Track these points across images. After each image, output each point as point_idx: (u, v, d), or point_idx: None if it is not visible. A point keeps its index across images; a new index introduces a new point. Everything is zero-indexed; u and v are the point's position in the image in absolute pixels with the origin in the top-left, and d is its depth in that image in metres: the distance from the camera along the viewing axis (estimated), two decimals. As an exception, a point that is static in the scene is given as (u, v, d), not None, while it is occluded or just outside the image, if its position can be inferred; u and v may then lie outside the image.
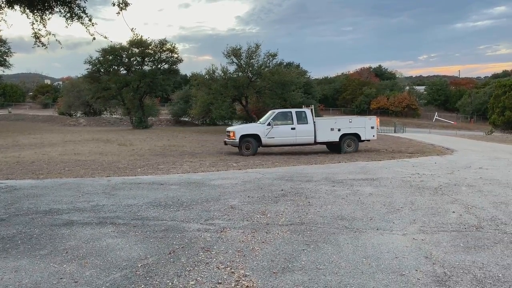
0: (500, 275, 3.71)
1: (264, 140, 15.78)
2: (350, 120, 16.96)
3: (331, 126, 16.41)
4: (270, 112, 17.96)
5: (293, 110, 16.66)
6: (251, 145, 15.69)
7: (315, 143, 16.50)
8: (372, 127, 16.66)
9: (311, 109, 16.76)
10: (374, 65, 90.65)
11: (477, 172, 9.99)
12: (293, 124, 16.06)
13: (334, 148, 17.15)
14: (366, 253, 4.28)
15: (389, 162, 12.59)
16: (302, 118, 16.23)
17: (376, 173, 9.92)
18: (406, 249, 4.39)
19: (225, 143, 16.74)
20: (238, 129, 16.28)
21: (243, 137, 15.75)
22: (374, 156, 14.74)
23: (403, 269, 3.85)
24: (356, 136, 16.57)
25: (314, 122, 16.23)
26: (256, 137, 15.83)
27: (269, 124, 15.92)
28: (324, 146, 17.71)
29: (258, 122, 17.80)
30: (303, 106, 19.71)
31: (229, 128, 16.96)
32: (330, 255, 4.24)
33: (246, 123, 30.07)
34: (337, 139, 16.37)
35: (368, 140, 17.04)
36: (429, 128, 53.92)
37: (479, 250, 4.36)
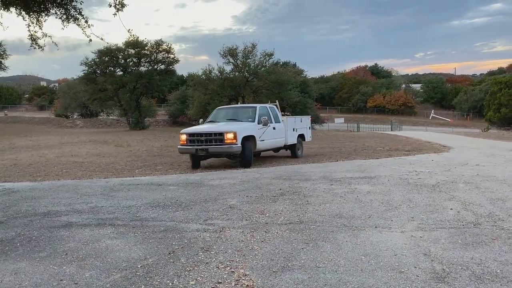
0: (498, 271, 3.73)
1: (258, 144, 11.62)
2: (301, 120, 14.26)
3: (293, 126, 13.39)
4: (219, 109, 13.51)
5: (268, 105, 12.99)
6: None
7: (285, 146, 13.22)
8: (310, 128, 14.65)
9: (276, 105, 13.50)
10: (370, 63, 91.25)
11: (474, 169, 10.03)
12: (273, 123, 12.31)
13: (279, 151, 13.97)
14: (365, 251, 4.29)
15: (386, 160, 12.62)
16: (275, 116, 12.68)
17: (374, 171, 9.94)
18: (404, 246, 4.41)
19: (206, 154, 11.00)
20: (240, 129, 11.05)
21: (245, 140, 11.06)
22: (372, 154, 14.77)
23: (402, 266, 3.87)
24: (302, 138, 14.02)
25: (282, 120, 12.96)
26: (252, 140, 11.50)
27: (260, 122, 11.66)
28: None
29: (208, 121, 12.63)
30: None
31: (221, 129, 11.03)
32: (329, 253, 4.25)
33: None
34: (295, 141, 13.45)
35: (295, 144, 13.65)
36: (426, 125, 54.08)
37: (477, 247, 4.38)
